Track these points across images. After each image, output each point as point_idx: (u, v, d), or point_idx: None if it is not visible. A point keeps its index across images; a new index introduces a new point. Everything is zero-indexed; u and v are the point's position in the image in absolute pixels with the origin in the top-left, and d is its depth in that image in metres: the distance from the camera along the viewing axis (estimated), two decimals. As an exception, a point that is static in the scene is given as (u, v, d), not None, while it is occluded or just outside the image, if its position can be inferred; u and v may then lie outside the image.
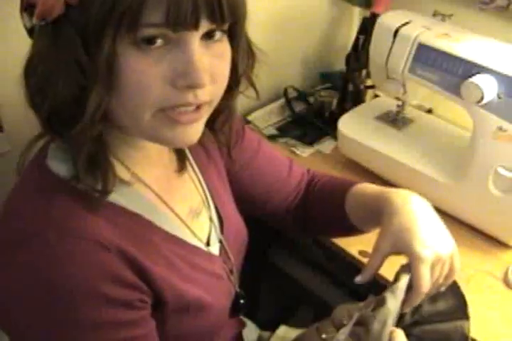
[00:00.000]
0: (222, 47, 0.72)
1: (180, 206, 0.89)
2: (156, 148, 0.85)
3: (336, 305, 1.40)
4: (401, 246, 0.85)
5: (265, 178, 1.10)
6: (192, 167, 0.96)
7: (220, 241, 0.96)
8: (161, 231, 0.82)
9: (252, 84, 0.86)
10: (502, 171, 1.16)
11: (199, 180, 0.97)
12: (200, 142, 0.93)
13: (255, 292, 1.74)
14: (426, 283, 0.83)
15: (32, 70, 0.69)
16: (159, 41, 0.66)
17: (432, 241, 0.85)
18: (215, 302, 0.89)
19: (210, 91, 0.72)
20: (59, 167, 0.75)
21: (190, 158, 0.96)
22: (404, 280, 0.83)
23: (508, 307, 1.11)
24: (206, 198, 0.97)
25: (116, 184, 0.76)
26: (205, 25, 0.67)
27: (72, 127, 0.68)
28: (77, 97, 0.67)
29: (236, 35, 0.75)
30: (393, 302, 0.81)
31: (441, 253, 0.85)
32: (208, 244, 0.94)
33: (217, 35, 0.70)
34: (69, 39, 0.65)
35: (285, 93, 1.69)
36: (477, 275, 1.16)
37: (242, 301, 1.02)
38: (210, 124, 0.85)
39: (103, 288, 0.70)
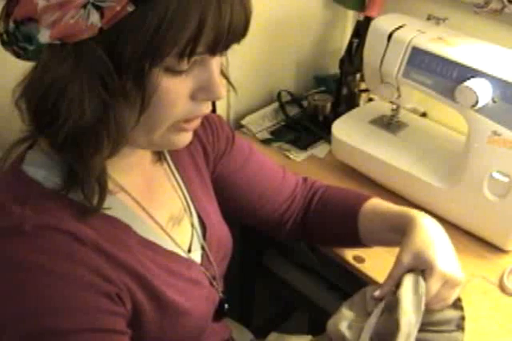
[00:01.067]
0: (221, 59, 0.76)
1: (160, 213, 0.89)
2: (138, 155, 0.86)
3: (331, 309, 1.40)
4: (423, 259, 0.88)
5: (256, 186, 1.10)
6: (173, 175, 0.96)
7: (203, 248, 0.96)
8: (137, 235, 0.83)
9: (227, 78, 0.89)
10: (497, 176, 1.16)
11: (180, 188, 0.96)
12: (187, 150, 0.96)
13: (250, 297, 1.73)
14: (429, 295, 0.86)
15: (53, 95, 0.67)
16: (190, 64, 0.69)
17: (453, 263, 0.90)
18: (193, 308, 0.89)
19: None
20: (35, 172, 0.76)
21: (172, 165, 0.96)
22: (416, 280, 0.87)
23: (503, 312, 1.10)
24: (188, 206, 0.97)
25: None
26: None
27: (97, 149, 0.70)
28: (102, 120, 0.68)
29: None
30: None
31: (456, 276, 0.89)
32: (189, 250, 0.93)
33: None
34: (99, 62, 0.65)
35: (279, 97, 1.68)
36: (473, 281, 1.15)
37: (226, 306, 1.02)
38: None
39: (78, 273, 0.71)
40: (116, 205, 0.81)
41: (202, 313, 0.93)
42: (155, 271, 0.82)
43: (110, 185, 0.79)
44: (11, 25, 0.67)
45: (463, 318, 0.94)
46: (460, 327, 0.94)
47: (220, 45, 0.68)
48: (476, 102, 1.10)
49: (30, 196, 0.73)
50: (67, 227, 0.72)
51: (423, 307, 0.85)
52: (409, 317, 0.84)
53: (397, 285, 0.89)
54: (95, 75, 0.65)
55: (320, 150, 1.54)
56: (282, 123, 1.64)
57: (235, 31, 0.68)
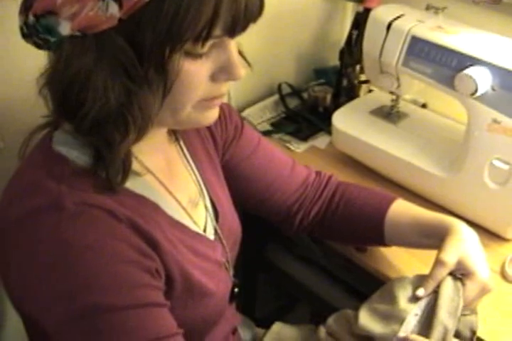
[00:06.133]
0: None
1: (181, 195, 0.91)
2: (159, 136, 0.88)
3: (333, 301, 1.40)
4: (466, 265, 0.94)
5: (264, 176, 1.10)
6: (187, 159, 0.97)
7: (216, 233, 0.97)
8: (165, 215, 0.84)
9: (242, 55, 0.88)
10: (497, 163, 1.16)
11: (194, 173, 0.98)
12: (198, 137, 0.98)
13: (252, 290, 1.73)
14: (466, 300, 0.92)
15: (77, 86, 0.69)
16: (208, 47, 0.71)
17: (488, 272, 0.96)
18: (216, 290, 0.91)
19: None
20: (67, 151, 0.78)
21: (185, 150, 0.97)
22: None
23: (505, 299, 1.10)
24: (202, 190, 0.98)
25: None
26: None
27: (123, 135, 0.72)
28: (126, 107, 0.70)
29: None
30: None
31: (490, 285, 0.96)
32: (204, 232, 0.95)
33: None
34: (120, 51, 0.67)
35: (279, 89, 1.68)
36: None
37: (236, 289, 1.05)
38: None
39: (121, 249, 0.73)
40: (144, 185, 0.83)
41: (223, 295, 0.96)
42: (183, 251, 0.85)
43: (138, 167, 0.82)
44: (31, 18, 0.69)
45: None
46: (474, 312, 0.97)
47: (237, 27, 0.70)
48: (476, 90, 1.11)
49: (64, 173, 0.75)
50: (104, 204, 0.74)
51: (460, 311, 0.90)
52: (444, 326, 0.88)
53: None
54: (118, 64, 0.68)
55: (320, 141, 1.54)
56: (283, 115, 1.65)
57: (251, 12, 0.70)
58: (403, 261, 1.16)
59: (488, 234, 1.23)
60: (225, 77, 0.75)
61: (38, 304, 0.73)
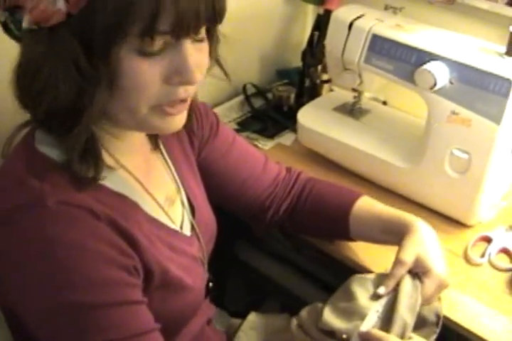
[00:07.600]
0: (204, 43, 0.78)
1: (158, 193, 0.93)
2: (138, 138, 0.90)
3: (303, 295, 1.43)
4: (423, 263, 0.98)
5: (239, 173, 1.14)
6: (165, 159, 1.00)
7: (192, 229, 1.00)
8: (143, 213, 0.87)
9: (221, 67, 0.91)
10: (457, 153, 1.21)
11: (171, 171, 1.00)
12: (176, 136, 1.00)
13: (222, 285, 1.75)
14: (424, 296, 0.96)
15: (28, 75, 0.73)
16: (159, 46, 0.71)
17: (445, 269, 1.00)
18: (193, 285, 0.93)
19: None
20: (49, 150, 0.79)
21: (164, 150, 1.00)
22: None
23: (470, 282, 1.16)
24: (179, 188, 1.01)
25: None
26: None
27: (71, 128, 0.73)
28: (76, 100, 0.72)
29: (214, 30, 0.82)
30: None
31: (447, 281, 1.00)
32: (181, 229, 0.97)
33: (202, 34, 0.76)
34: (69, 46, 0.69)
35: (244, 90, 1.72)
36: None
37: (211, 284, 1.07)
38: None
39: (101, 248, 0.75)
40: (123, 184, 0.85)
41: (200, 290, 0.99)
42: (160, 247, 0.87)
43: (111, 162, 0.84)
44: (5, 13, 0.72)
45: None
46: (438, 298, 1.01)
47: (185, 26, 0.70)
48: (435, 84, 1.16)
49: (47, 172, 0.77)
50: (84, 203, 0.76)
51: (418, 307, 0.94)
52: (404, 320, 0.92)
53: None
54: (68, 59, 0.70)
55: (286, 138, 1.58)
56: (248, 115, 1.69)
57: (201, 11, 0.70)
58: (374, 252, 1.19)
59: (450, 221, 1.29)
60: (178, 80, 0.74)
61: (18, 299, 0.76)
